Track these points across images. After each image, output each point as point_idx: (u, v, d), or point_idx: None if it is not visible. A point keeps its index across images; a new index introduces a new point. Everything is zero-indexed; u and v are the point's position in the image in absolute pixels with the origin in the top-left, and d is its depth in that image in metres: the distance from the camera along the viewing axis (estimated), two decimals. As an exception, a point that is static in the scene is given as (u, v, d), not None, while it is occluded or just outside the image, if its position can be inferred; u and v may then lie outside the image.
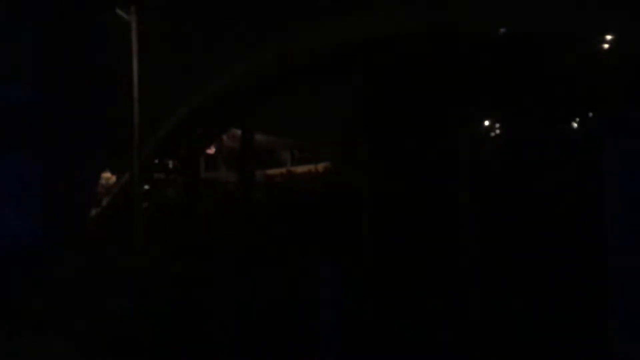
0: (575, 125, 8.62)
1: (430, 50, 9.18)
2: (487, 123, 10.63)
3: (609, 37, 7.73)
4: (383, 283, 7.84)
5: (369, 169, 10.10)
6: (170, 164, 18.12)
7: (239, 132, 17.10)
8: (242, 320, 6.68)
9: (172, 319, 6.73)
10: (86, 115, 9.68)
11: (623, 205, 3.98)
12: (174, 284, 7.63)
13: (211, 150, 20.46)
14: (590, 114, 8.23)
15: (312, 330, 5.99)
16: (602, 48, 7.68)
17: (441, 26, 8.21)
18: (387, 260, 8.53)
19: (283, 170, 21.56)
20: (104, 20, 10.28)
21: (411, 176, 9.21)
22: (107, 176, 20.34)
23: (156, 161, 16.69)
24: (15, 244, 8.48)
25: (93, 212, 16.68)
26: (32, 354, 6.28)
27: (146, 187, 16.49)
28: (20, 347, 6.29)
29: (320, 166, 20.98)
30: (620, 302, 4.03)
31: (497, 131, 10.61)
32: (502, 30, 7.77)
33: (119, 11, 10.44)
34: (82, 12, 9.48)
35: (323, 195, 14.30)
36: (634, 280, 3.86)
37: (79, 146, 9.67)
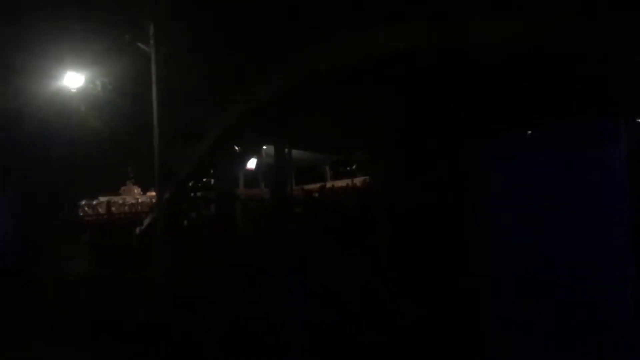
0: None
1: (444, 67, 9.16)
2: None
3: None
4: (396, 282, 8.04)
5: (388, 183, 10.17)
6: (212, 182, 18.64)
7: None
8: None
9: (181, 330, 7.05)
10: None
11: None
12: (189, 298, 7.97)
13: (250, 167, 20.87)
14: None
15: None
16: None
17: (445, 43, 8.21)
18: (400, 263, 8.66)
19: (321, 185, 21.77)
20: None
21: (428, 192, 9.21)
22: (152, 195, 21.17)
23: (195, 180, 17.19)
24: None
25: (137, 230, 17.44)
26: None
27: (185, 205, 17.07)
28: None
29: (359, 180, 21.11)
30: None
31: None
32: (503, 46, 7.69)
33: (140, 45, 11.13)
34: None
35: (354, 208, 14.45)
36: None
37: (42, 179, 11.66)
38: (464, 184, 6.50)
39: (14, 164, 10.97)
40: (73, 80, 13.13)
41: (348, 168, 25.98)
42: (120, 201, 21.00)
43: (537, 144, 5.33)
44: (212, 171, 17.12)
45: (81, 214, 19.19)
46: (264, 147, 19.79)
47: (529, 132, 5.51)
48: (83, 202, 19.40)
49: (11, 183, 10.86)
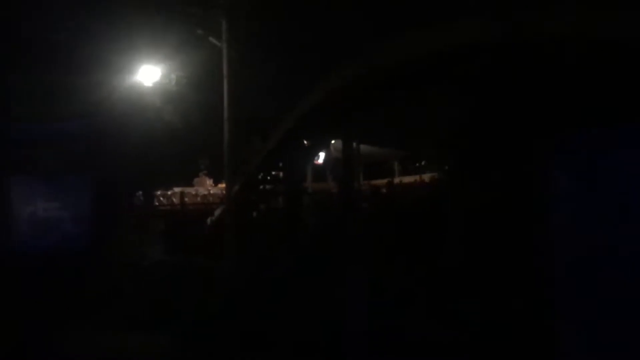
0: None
1: (519, 62, 8.83)
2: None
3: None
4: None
5: (456, 181, 9.96)
6: (280, 175, 18.91)
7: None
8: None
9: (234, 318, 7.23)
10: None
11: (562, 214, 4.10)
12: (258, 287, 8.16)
13: (318, 161, 21.06)
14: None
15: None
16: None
17: (507, 38, 7.89)
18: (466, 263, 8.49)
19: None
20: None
21: (500, 188, 8.94)
22: (223, 186, 21.76)
23: (264, 173, 17.49)
24: (69, 244, 11.29)
25: (208, 220, 17.98)
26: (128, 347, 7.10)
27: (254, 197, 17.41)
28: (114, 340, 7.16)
29: (427, 176, 20.85)
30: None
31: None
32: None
33: (212, 40, 11.51)
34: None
35: (423, 203, 14.27)
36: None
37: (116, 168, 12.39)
38: (539, 181, 6.28)
39: (93, 155, 11.58)
40: (149, 74, 13.67)
41: (417, 164, 25.72)
42: (193, 192, 21.70)
43: (614, 141, 5.09)
44: (280, 164, 17.35)
45: (156, 204, 19.99)
46: (332, 141, 19.91)
47: (605, 129, 5.27)
48: (158, 193, 20.19)
49: (90, 173, 11.49)
